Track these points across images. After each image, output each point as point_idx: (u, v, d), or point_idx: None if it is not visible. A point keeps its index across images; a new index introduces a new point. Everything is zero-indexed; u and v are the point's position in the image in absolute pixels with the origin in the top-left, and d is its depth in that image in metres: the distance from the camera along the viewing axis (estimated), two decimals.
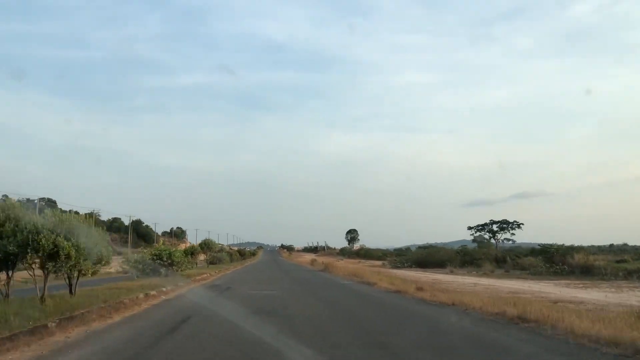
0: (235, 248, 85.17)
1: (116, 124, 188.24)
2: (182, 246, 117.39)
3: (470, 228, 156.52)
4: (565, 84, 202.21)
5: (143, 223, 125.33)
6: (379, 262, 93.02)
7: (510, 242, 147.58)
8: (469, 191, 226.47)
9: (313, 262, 69.81)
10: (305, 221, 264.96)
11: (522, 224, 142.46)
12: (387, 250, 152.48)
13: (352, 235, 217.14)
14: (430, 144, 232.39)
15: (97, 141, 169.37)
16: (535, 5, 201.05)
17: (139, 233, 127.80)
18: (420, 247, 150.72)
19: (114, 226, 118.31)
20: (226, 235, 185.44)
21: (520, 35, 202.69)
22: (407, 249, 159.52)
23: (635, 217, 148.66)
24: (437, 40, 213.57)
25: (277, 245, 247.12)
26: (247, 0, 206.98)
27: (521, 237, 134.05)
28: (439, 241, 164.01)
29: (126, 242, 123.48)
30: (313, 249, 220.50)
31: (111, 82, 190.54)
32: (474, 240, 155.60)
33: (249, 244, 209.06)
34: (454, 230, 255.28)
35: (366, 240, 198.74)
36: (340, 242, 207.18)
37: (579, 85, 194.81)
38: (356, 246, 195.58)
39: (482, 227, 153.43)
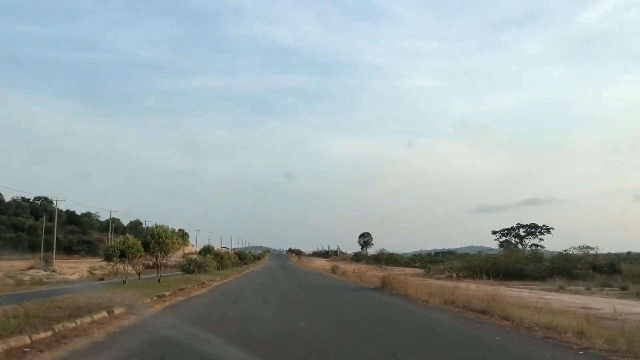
0: (235, 250, 68.27)
1: (126, 126, 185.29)
2: (189, 249, 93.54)
3: (494, 232, 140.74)
4: (574, 90, 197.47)
5: (142, 224, 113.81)
6: (410, 270, 76.24)
7: (538, 248, 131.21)
8: (478, 197, 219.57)
9: (334, 269, 53.21)
10: (314, 226, 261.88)
11: (552, 228, 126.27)
12: (405, 255, 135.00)
13: (365, 239, 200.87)
14: (439, 149, 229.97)
15: (106, 143, 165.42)
16: (545, 11, 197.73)
17: (137, 234, 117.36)
18: (439, 253, 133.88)
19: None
20: (230, 238, 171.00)
21: (529, 41, 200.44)
22: (429, 254, 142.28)
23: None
24: (447, 46, 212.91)
25: (285, 250, 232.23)
26: (257, 4, 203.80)
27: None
28: (456, 246, 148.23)
29: None
30: (323, 254, 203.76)
31: (121, 84, 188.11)
32: (500, 246, 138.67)
33: (255, 248, 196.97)
34: (465, 236, 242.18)
35: (377, 244, 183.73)
36: (351, 247, 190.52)
37: (589, 92, 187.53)
38: (369, 251, 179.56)
39: (507, 232, 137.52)
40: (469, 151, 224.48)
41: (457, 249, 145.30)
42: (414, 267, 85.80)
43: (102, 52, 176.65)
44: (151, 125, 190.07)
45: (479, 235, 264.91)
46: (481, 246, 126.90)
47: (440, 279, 45.91)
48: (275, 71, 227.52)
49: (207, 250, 35.56)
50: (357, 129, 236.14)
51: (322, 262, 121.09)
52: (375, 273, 39.97)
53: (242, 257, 57.55)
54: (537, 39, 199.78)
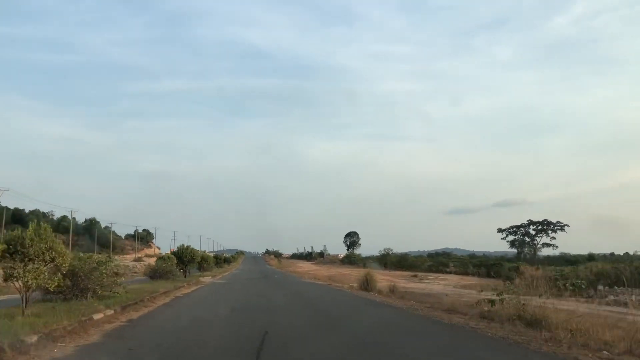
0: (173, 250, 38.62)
1: (98, 128, 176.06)
2: (147, 252, 70.13)
3: (501, 230, 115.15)
4: (544, 94, 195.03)
5: (99, 223, 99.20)
6: (470, 280, 49.09)
7: (551, 247, 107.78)
8: (451, 199, 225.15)
9: (367, 283, 26.25)
10: (290, 228, 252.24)
11: (567, 225, 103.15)
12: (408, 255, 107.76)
13: (351, 239, 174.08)
14: (412, 152, 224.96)
15: (78, 145, 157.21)
16: (516, 16, 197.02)
17: (94, 235, 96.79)
18: (432, 255, 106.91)
19: (61, 226, 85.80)
20: (199, 239, 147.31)
21: (501, 46, 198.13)
22: (432, 255, 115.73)
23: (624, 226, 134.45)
24: (419, 50, 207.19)
25: (260, 252, 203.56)
26: (231, 7, 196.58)
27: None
28: (431, 248, 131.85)
29: (77, 246, 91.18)
30: (306, 256, 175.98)
31: (94, 86, 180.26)
32: (512, 246, 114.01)
33: (229, 251, 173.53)
34: (440, 237, 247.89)
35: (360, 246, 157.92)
36: (333, 248, 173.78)
37: (558, 96, 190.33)
38: (357, 251, 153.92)
39: (515, 230, 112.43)
40: (441, 154, 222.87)
41: (434, 250, 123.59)
42: (457, 273, 58.96)
43: (72, 53, 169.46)
44: (124, 128, 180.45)
45: (454, 237, 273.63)
46: (456, 248, 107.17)
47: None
48: (249, 74, 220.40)
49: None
50: (331, 132, 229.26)
51: (310, 266, 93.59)
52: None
53: (186, 259, 29.75)
54: (508, 44, 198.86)
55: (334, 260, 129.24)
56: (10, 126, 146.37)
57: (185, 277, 29.85)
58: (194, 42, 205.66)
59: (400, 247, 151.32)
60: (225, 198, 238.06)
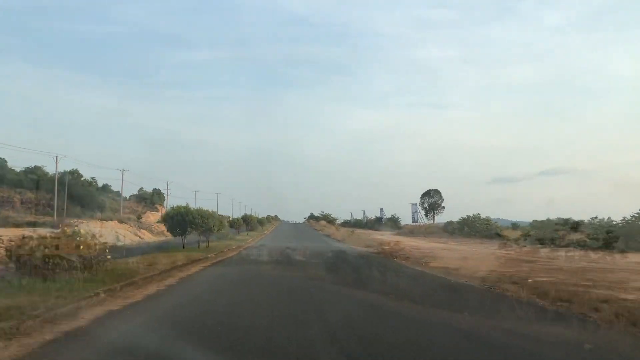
0: None
1: (137, 99, 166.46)
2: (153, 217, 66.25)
3: None
4: (592, 60, 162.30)
5: (82, 176, 76.39)
6: None
7: None
8: (492, 168, 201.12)
9: None
10: (333, 197, 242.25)
11: None
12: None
13: (431, 199, 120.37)
14: (453, 121, 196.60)
15: (118, 116, 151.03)
16: None
17: (73, 193, 72.54)
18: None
19: (29, 179, 64.92)
20: (230, 202, 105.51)
21: (548, 9, 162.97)
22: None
23: None
24: (463, 15, 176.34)
25: (302, 219, 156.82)
26: None
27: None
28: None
29: (46, 205, 68.01)
30: (370, 224, 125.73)
31: (134, 57, 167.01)
32: None
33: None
34: (479, 207, 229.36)
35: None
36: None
37: (606, 62, 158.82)
38: (439, 219, 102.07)
39: None
40: (484, 122, 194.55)
41: None
42: None
43: (112, 24, 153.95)
44: (163, 98, 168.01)
45: (495, 207, 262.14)
46: (498, 218, 67.07)
47: None
48: (287, 42, 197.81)
49: None
50: (371, 100, 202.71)
51: (420, 243, 41.51)
52: None
53: None
54: (556, 7, 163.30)
55: (431, 231, 77.34)
56: (55, 97, 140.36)
57: None
58: (233, 9, 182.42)
59: (440, 217, 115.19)
60: (262, 167, 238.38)
